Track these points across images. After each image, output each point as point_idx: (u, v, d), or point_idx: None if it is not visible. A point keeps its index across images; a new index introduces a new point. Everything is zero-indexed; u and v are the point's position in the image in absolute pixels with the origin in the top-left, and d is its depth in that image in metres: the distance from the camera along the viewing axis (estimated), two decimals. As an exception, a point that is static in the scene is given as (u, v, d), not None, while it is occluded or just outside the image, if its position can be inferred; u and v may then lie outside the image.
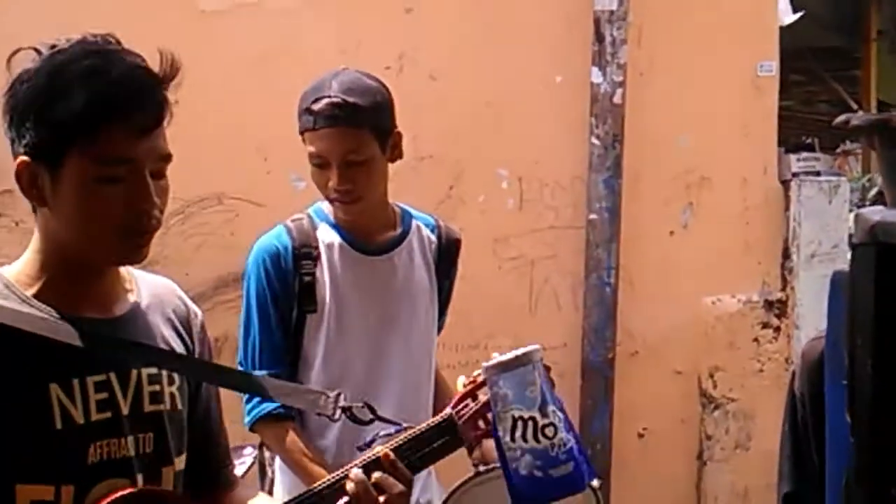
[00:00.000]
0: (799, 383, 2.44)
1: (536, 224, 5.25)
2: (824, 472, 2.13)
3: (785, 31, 5.72)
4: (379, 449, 2.01)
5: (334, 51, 4.61)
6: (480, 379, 2.04)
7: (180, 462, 1.99)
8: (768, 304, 5.62)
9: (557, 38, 5.25)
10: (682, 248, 5.46)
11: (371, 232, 2.86)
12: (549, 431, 1.93)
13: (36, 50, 1.83)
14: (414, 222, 2.94)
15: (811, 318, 5.33)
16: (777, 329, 5.62)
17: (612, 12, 5.19)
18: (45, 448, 1.81)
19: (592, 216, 5.25)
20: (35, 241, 1.90)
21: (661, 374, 5.44)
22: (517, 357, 1.97)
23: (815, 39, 6.76)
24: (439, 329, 3.05)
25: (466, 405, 2.03)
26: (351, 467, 1.98)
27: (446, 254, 2.98)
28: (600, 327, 5.24)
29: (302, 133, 2.76)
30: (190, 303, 2.14)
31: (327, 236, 2.82)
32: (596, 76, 5.23)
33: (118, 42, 1.86)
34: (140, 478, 1.90)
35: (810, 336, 2.59)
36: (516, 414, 1.93)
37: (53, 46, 1.82)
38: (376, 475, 1.95)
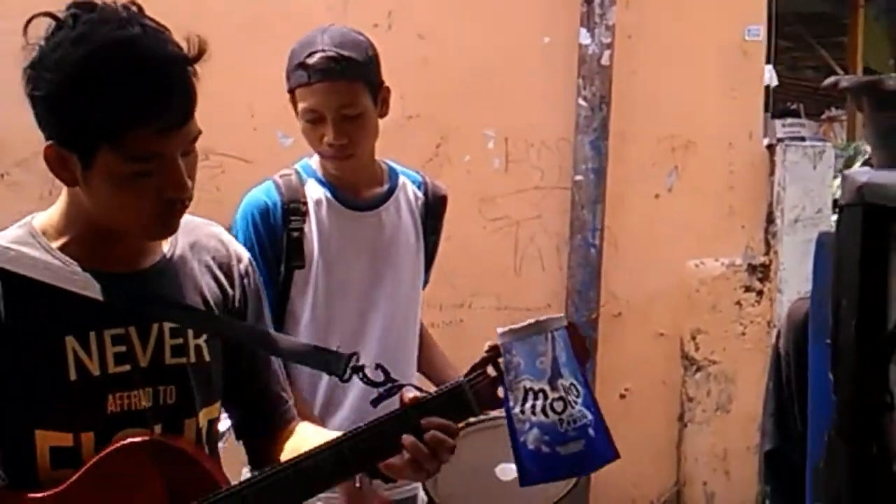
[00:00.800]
0: (784, 342, 2.46)
1: (522, 184, 5.26)
2: (806, 431, 2.15)
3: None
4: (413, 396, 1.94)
5: (322, 8, 4.60)
6: (495, 346, 1.93)
7: (208, 413, 2.01)
8: (751, 268, 5.64)
9: (546, -2, 5.25)
10: (666, 210, 5.48)
11: (359, 188, 2.85)
12: (559, 406, 1.85)
13: (55, 18, 1.77)
14: (401, 178, 2.93)
15: (794, 282, 5.35)
16: (760, 293, 5.65)
17: (600, -27, 5.19)
18: (60, 397, 1.84)
19: (578, 177, 5.26)
20: (63, 198, 1.90)
21: (644, 335, 5.47)
22: (530, 325, 1.90)
23: (802, 5, 6.76)
24: (424, 284, 3.05)
25: (483, 372, 1.92)
26: (379, 423, 1.90)
27: (433, 210, 2.97)
28: (584, 288, 5.26)
29: (293, 90, 2.74)
30: (235, 247, 2.13)
31: (315, 192, 2.81)
32: (584, 37, 5.22)
33: (140, 12, 1.79)
34: (158, 428, 1.92)
35: (793, 300, 2.61)
36: (527, 385, 1.86)
37: (74, 20, 1.75)
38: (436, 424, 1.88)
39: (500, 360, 1.90)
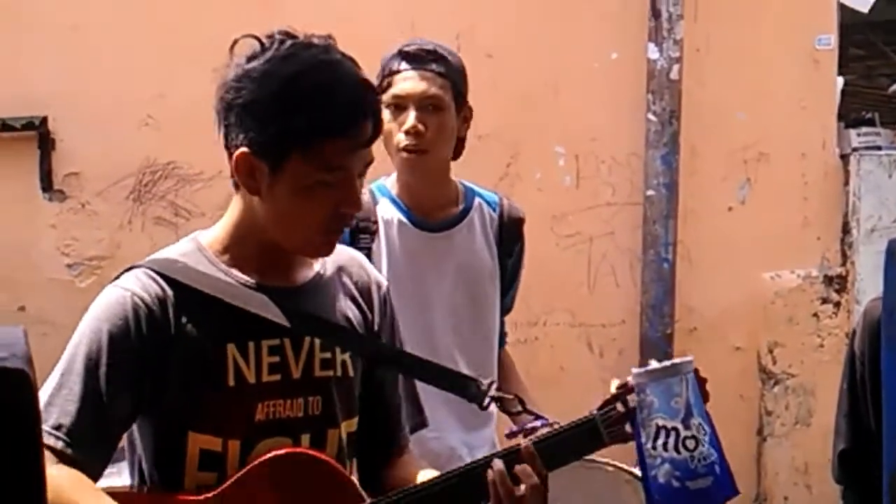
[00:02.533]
0: (859, 342, 2.45)
1: (594, 201, 5.25)
2: (881, 429, 2.13)
3: (843, 4, 5.65)
4: (521, 441, 2.03)
5: (391, 31, 4.63)
6: (630, 384, 2.02)
7: (348, 426, 2.07)
8: (828, 280, 5.58)
9: (614, 14, 5.25)
10: (740, 223, 5.44)
11: (432, 208, 2.85)
12: (690, 444, 1.92)
13: (260, 42, 1.94)
14: (476, 200, 2.91)
15: (872, 293, 5.21)
16: (837, 304, 5.59)
17: (668, -12, 5.19)
18: (216, 402, 1.93)
19: (650, 192, 5.25)
20: (232, 215, 2.02)
21: (721, 350, 5.42)
22: (666, 367, 1.97)
23: (873, 13, 6.66)
24: (507, 310, 3.02)
25: (613, 408, 2.02)
26: (493, 457, 2.00)
27: (508, 232, 2.94)
28: (658, 304, 5.24)
29: (383, 81, 2.75)
30: (374, 274, 2.23)
31: (387, 212, 2.81)
32: (652, 52, 5.21)
33: (334, 44, 1.98)
34: (306, 438, 1.99)
35: (869, 303, 2.59)
36: (660, 423, 1.93)
37: (281, 43, 1.92)
38: (517, 467, 1.97)
39: (632, 397, 1.98)
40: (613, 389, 2.09)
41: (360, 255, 2.25)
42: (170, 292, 1.93)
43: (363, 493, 2.01)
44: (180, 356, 1.92)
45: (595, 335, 5.10)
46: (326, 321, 2.05)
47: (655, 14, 5.18)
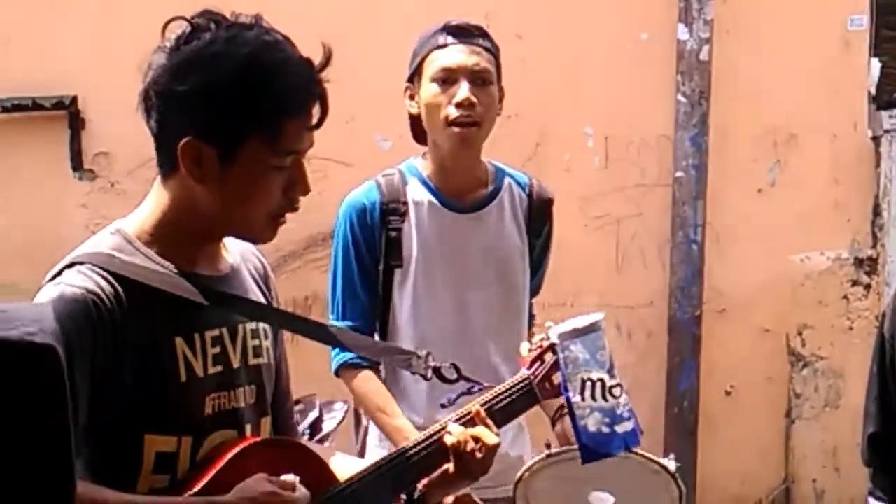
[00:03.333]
0: (889, 325, 2.46)
1: (622, 182, 5.26)
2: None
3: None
4: (471, 406, 2.07)
5: (419, 12, 4.63)
6: (547, 344, 2.09)
7: (271, 412, 2.06)
8: (858, 262, 5.56)
9: (643, -5, 5.24)
10: (769, 205, 5.43)
11: (463, 189, 2.85)
12: (617, 391, 2.00)
13: (191, 24, 1.86)
14: (507, 180, 2.92)
15: (902, 275, 5.26)
16: (867, 286, 5.57)
17: (698, -32, 5.18)
18: (171, 400, 1.88)
19: (679, 174, 5.25)
20: (160, 203, 1.93)
21: (749, 331, 5.43)
22: (589, 325, 2.03)
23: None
24: (535, 292, 3.03)
25: (538, 367, 2.09)
26: (446, 423, 2.04)
27: (537, 213, 2.94)
28: (687, 285, 5.25)
29: (423, 59, 2.76)
30: (262, 258, 2.18)
31: (417, 192, 2.82)
32: (682, 33, 5.21)
33: (267, 24, 1.91)
34: (248, 429, 1.97)
35: (901, 291, 2.58)
36: (585, 376, 1.99)
37: (217, 24, 1.86)
38: (474, 430, 2.01)
39: (552, 355, 2.06)
40: (524, 352, 2.14)
41: (248, 245, 2.15)
42: (120, 289, 1.84)
43: (335, 472, 2.03)
44: (134, 355, 1.84)
45: (623, 317, 5.11)
46: (259, 304, 2.03)
47: (686, -6, 5.19)
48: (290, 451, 1.98)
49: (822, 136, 5.46)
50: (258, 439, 1.94)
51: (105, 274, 1.85)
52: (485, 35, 2.78)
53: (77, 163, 4.80)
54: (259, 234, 1.97)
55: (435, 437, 2.04)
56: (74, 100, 4.76)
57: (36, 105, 4.70)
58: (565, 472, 2.52)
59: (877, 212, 5.56)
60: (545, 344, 2.09)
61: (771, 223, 5.42)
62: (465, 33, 2.74)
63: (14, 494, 0.70)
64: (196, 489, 1.85)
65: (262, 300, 2.09)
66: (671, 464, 2.67)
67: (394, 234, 2.79)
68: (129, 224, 1.95)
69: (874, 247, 5.57)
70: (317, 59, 1.91)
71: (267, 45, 1.85)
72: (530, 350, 2.13)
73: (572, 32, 5.10)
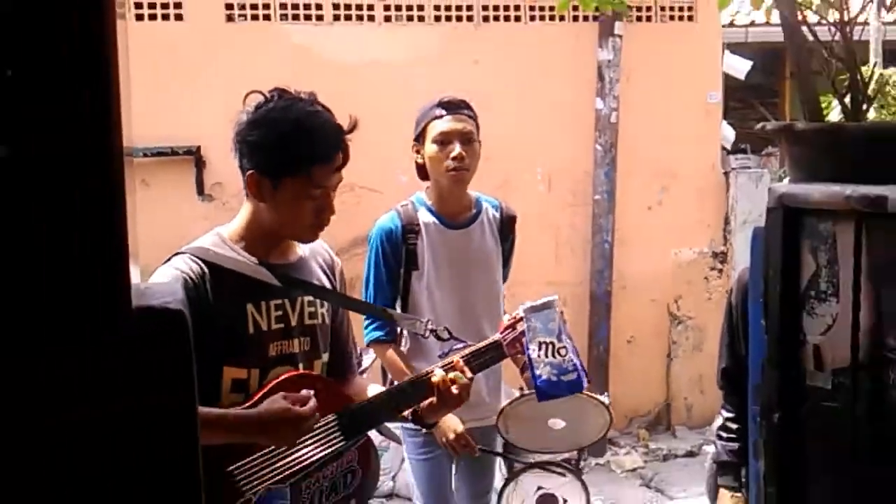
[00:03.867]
0: (734, 296, 2.45)
1: (560, 203, 5.26)
2: (747, 355, 2.14)
3: (726, 73, 5.64)
4: (453, 356, 2.05)
5: (420, 96, 4.64)
6: (518, 316, 2.06)
7: (325, 357, 2.03)
8: (714, 255, 5.58)
9: (573, 78, 5.24)
10: (656, 218, 5.45)
11: (455, 213, 2.77)
12: (562, 352, 1.97)
13: (263, 95, 1.88)
14: (484, 205, 2.83)
15: (742, 264, 5.23)
16: (720, 271, 5.59)
17: (609, 61, 5.18)
18: (241, 344, 1.87)
19: (597, 197, 5.25)
20: (244, 215, 1.95)
21: (643, 302, 5.44)
22: (544, 303, 2.00)
23: (748, 78, 6.64)
24: (506, 278, 2.96)
25: (508, 333, 2.05)
26: (433, 368, 2.02)
27: (506, 227, 2.86)
28: (602, 270, 5.25)
29: (426, 126, 2.67)
30: (333, 254, 2.16)
31: (425, 217, 2.74)
32: (599, 104, 5.22)
33: (316, 98, 1.90)
34: (301, 366, 1.95)
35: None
36: (541, 339, 1.96)
37: (279, 98, 1.86)
38: (451, 374, 1.99)
39: (523, 324, 2.01)
40: (506, 321, 2.12)
41: (324, 243, 2.14)
42: (206, 270, 1.85)
43: (350, 396, 2.00)
44: (217, 315, 1.83)
45: (560, 291, 4.95)
46: (311, 283, 2.00)
47: (601, 78, 5.19)
48: (315, 380, 1.93)
49: (691, 173, 5.48)
50: (296, 372, 1.91)
51: (197, 260, 1.86)
52: (468, 106, 2.70)
53: (200, 190, 4.78)
54: (302, 238, 1.96)
55: (424, 378, 2.01)
56: (199, 148, 4.75)
57: (173, 152, 4.69)
58: (532, 407, 2.47)
59: (727, 221, 5.58)
60: (517, 316, 2.07)
61: (657, 230, 5.43)
62: (454, 107, 2.66)
63: (158, 419, 0.70)
64: (249, 403, 1.84)
65: (326, 282, 2.06)
66: (605, 398, 2.66)
67: (412, 247, 2.70)
68: (225, 228, 1.97)
69: (724, 245, 5.59)
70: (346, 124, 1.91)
71: (308, 114, 1.85)
72: (509, 321, 2.10)
73: (527, 105, 5.07)
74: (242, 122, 1.88)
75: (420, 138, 2.71)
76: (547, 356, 1.96)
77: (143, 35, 4.42)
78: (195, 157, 4.76)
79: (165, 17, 4.69)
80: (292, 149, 1.82)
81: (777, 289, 1.61)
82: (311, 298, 1.98)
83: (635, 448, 5.26)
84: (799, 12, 1.89)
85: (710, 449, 5.09)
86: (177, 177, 4.72)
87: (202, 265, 1.86)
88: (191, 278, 1.82)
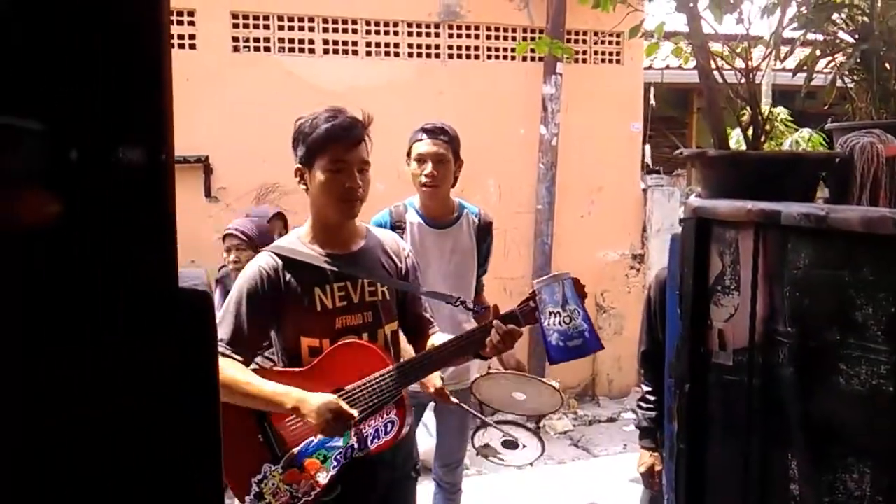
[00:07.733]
0: (652, 291, 2.48)
1: (509, 210, 5.26)
2: (664, 342, 2.16)
3: (646, 104, 5.71)
4: (492, 320, 1.94)
5: (413, 121, 4.63)
6: (534, 290, 1.95)
7: (390, 327, 2.01)
8: (633, 256, 5.64)
9: (522, 108, 5.25)
10: (587, 225, 5.48)
11: (438, 215, 2.73)
12: (567, 320, 1.85)
13: (313, 114, 1.93)
14: (465, 210, 2.80)
15: (657, 265, 5.35)
16: (638, 270, 5.66)
17: (552, 94, 5.20)
18: (313, 320, 1.90)
19: (539, 206, 5.27)
20: (311, 214, 1.98)
21: (575, 293, 5.46)
22: (552, 277, 1.92)
23: (662, 111, 6.72)
24: (484, 273, 2.90)
25: (525, 306, 1.94)
26: (492, 320, 1.92)
27: (483, 230, 2.82)
28: (542, 267, 5.26)
29: (410, 146, 2.65)
30: (402, 243, 2.16)
31: (412, 217, 2.71)
32: (543, 130, 5.24)
33: (345, 111, 1.93)
34: (365, 336, 1.94)
35: (657, 271, 2.62)
36: (551, 309, 1.88)
37: (321, 112, 1.92)
38: (507, 327, 1.90)
39: (535, 297, 1.92)
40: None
41: (396, 235, 2.17)
42: (280, 262, 1.90)
43: (393, 361, 1.96)
44: (291, 298, 1.89)
45: (507, 284, 5.13)
46: (369, 269, 2.00)
47: (545, 108, 5.20)
48: (363, 348, 1.92)
49: (616, 188, 5.53)
50: (349, 341, 1.91)
51: (275, 255, 1.92)
52: (445, 132, 2.65)
53: (208, 193, 4.73)
54: (339, 215, 1.94)
55: (484, 328, 1.93)
56: (207, 157, 4.69)
57: (185, 160, 4.62)
58: (499, 383, 2.47)
59: (644, 229, 5.64)
60: (532, 292, 1.96)
61: (588, 235, 5.47)
62: (432, 133, 2.63)
63: (182, 383, 0.65)
64: (316, 362, 1.89)
65: (392, 267, 2.05)
66: (556, 384, 2.65)
67: None
68: (300, 228, 2.01)
69: (642, 248, 5.66)
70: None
71: (328, 112, 1.90)
72: (530, 294, 1.98)
73: (483, 129, 5.07)
74: (296, 129, 1.94)
75: (408, 156, 2.70)
76: (555, 325, 1.87)
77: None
78: (203, 165, 4.70)
79: (181, 46, 4.65)
80: (314, 135, 1.87)
81: (690, 283, 1.64)
82: (370, 281, 1.99)
83: (566, 414, 5.30)
84: (712, 60, 1.93)
85: (628, 416, 5.19)
86: (188, 181, 4.65)
87: (277, 259, 1.91)
88: (266, 271, 1.89)
